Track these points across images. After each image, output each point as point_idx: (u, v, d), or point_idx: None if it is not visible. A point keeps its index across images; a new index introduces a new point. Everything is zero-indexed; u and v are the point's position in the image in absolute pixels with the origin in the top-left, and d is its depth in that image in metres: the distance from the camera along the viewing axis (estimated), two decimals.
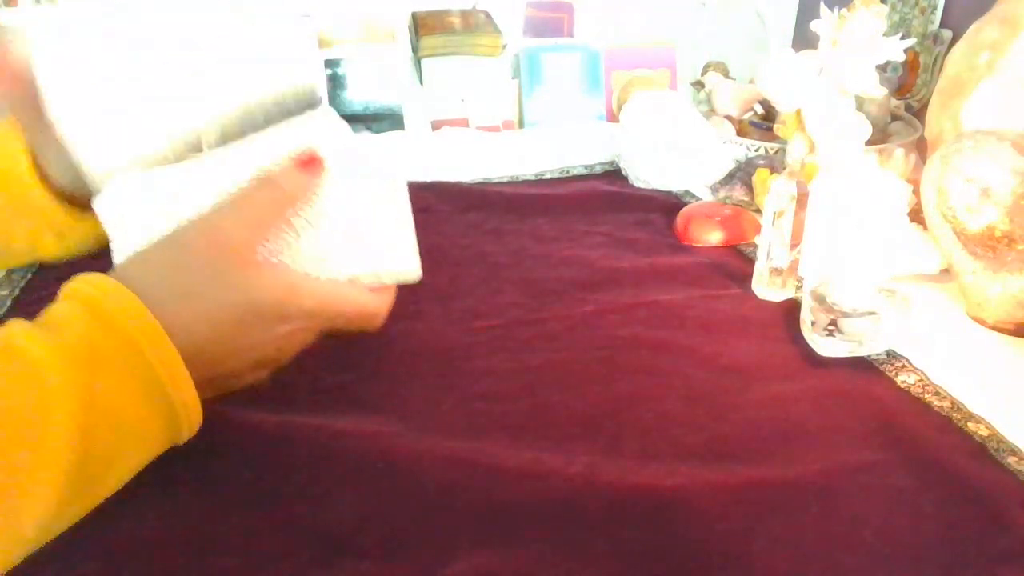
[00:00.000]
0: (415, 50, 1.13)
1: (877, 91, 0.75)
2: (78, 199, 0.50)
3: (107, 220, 0.43)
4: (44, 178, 0.52)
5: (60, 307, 0.37)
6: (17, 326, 0.35)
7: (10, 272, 0.67)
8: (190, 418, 0.39)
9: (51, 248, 0.58)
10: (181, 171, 0.43)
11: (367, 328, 0.48)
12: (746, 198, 0.82)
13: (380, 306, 0.47)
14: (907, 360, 0.55)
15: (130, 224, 0.43)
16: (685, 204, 0.82)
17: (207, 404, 0.41)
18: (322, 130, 0.45)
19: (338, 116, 0.47)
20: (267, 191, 0.42)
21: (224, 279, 0.40)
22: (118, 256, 0.43)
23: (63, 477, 0.33)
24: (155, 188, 0.43)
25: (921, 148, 0.80)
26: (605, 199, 0.85)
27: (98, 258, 0.45)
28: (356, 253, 0.45)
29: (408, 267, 0.48)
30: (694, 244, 0.74)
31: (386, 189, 0.47)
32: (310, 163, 0.43)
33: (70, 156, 0.44)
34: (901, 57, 0.72)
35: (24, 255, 0.60)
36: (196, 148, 0.45)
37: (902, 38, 0.71)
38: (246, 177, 0.43)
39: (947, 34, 0.96)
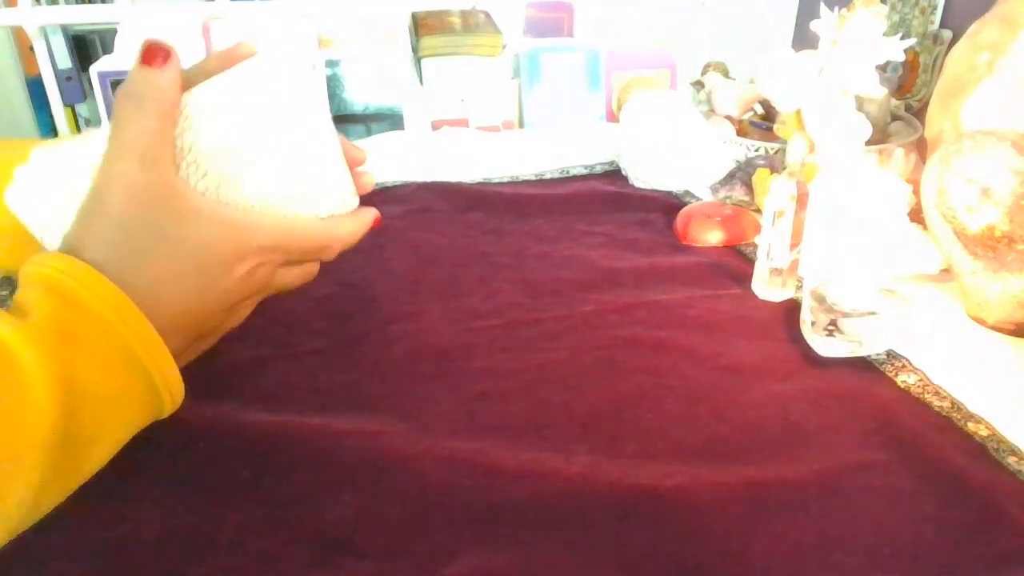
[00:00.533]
0: (415, 50, 1.13)
1: (877, 91, 0.75)
2: None
3: (25, 214, 0.42)
4: None
5: (25, 293, 0.37)
6: None
7: (10, 272, 0.67)
8: (170, 388, 0.39)
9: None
10: (83, 145, 0.43)
11: (323, 258, 0.48)
12: (746, 198, 0.82)
13: (332, 236, 0.47)
14: (907, 360, 0.55)
15: (48, 209, 0.42)
16: (685, 204, 0.82)
17: (203, 400, 0.41)
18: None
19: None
20: (130, 106, 0.39)
21: (171, 234, 0.39)
22: (46, 234, 0.42)
23: (44, 455, 0.33)
24: (65, 169, 0.42)
25: (921, 148, 0.80)
26: (605, 199, 0.85)
27: None
28: (289, 190, 0.45)
29: (342, 199, 0.48)
30: (694, 244, 0.74)
31: (311, 121, 0.46)
32: (153, 54, 0.40)
33: None
34: (901, 57, 0.72)
35: (6, 266, 0.61)
36: None
37: (902, 38, 0.71)
38: None
39: (947, 34, 0.96)
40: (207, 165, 0.43)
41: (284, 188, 0.45)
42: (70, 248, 0.39)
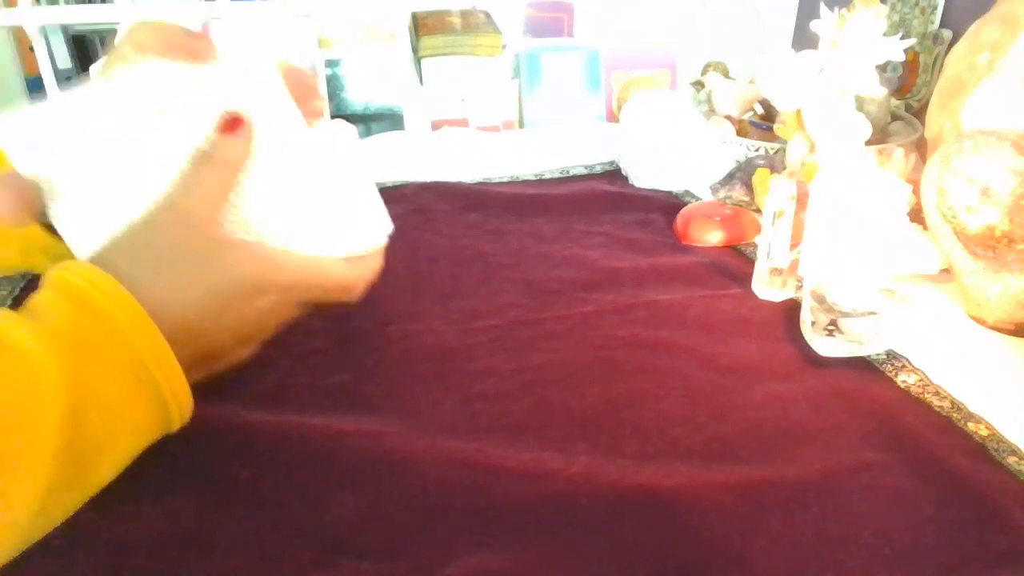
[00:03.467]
0: (415, 50, 1.13)
1: (877, 91, 0.75)
2: None
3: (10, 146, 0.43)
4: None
5: (42, 295, 0.37)
6: (1, 315, 0.36)
7: (14, 271, 0.67)
8: (179, 403, 0.39)
9: (43, 265, 0.58)
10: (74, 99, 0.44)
11: (345, 300, 0.48)
12: (746, 198, 0.82)
13: (357, 278, 0.48)
14: (907, 360, 0.55)
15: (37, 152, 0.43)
16: (685, 204, 0.82)
17: (203, 400, 0.41)
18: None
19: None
20: (206, 165, 0.43)
21: (200, 257, 0.41)
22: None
23: (51, 461, 0.33)
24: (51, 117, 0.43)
25: (921, 148, 0.80)
26: (605, 199, 0.85)
27: None
28: (323, 229, 0.46)
29: (379, 234, 0.48)
30: (694, 244, 0.74)
31: (346, 162, 0.47)
32: (233, 125, 0.43)
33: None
34: (901, 57, 0.72)
35: (19, 267, 0.61)
36: None
37: (902, 38, 0.71)
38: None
39: (947, 34, 0.96)
40: (246, 213, 0.44)
41: (319, 234, 0.46)
42: (101, 258, 0.40)
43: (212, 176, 0.43)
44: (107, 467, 0.38)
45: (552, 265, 0.69)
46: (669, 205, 0.82)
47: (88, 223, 0.43)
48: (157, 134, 0.44)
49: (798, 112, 0.75)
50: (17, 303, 0.63)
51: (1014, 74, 0.61)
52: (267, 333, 0.46)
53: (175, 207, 0.42)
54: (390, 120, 1.11)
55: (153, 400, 0.38)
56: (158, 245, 0.41)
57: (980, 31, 0.66)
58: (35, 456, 0.33)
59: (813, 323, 0.56)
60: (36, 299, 0.37)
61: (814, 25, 0.73)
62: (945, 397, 0.51)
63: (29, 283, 0.66)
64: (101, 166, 0.44)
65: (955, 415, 0.49)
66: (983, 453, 0.46)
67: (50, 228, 0.50)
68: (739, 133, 0.94)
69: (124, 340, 0.36)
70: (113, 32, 1.13)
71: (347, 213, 0.47)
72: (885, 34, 0.71)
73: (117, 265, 0.39)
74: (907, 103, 0.99)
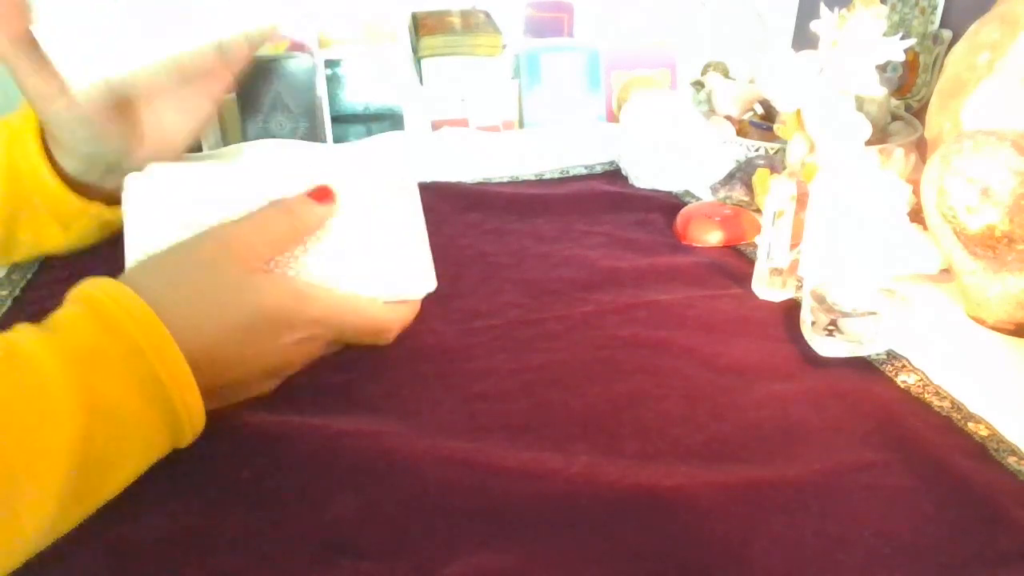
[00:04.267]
0: (415, 50, 1.13)
1: (877, 91, 0.74)
2: (85, 187, 0.50)
3: (129, 204, 0.44)
4: (53, 164, 0.52)
5: (65, 310, 0.37)
6: (22, 329, 0.36)
7: (10, 272, 0.67)
8: (192, 421, 0.39)
9: (56, 238, 0.58)
10: (211, 168, 0.45)
11: (376, 342, 0.48)
12: (746, 198, 0.82)
13: (391, 320, 0.48)
14: (907, 360, 0.55)
15: (150, 213, 0.43)
16: (685, 204, 0.82)
17: (211, 413, 0.41)
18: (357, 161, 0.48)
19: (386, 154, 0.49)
20: (282, 215, 0.44)
21: (232, 284, 0.41)
22: (130, 243, 0.43)
23: (64, 479, 0.33)
24: (183, 182, 0.44)
25: (921, 148, 0.80)
26: (605, 199, 0.85)
27: (98, 257, 0.45)
28: (369, 272, 0.46)
29: (421, 285, 0.50)
30: (694, 244, 0.74)
31: (402, 206, 0.48)
32: (323, 195, 0.45)
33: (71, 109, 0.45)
34: (901, 57, 0.72)
35: (29, 247, 0.60)
36: (176, 73, 0.46)
37: (902, 38, 0.71)
38: (272, 187, 0.44)
39: (947, 34, 0.96)
40: (303, 259, 0.45)
41: (360, 276, 0.46)
42: (131, 277, 0.40)
43: (281, 225, 0.44)
44: (116, 483, 0.38)
45: (552, 265, 0.69)
46: (669, 205, 0.82)
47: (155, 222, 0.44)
48: None
49: (798, 112, 0.75)
50: (17, 303, 0.63)
51: (1014, 74, 0.61)
52: (294, 368, 0.46)
53: (225, 238, 0.42)
54: (390, 120, 1.10)
55: (167, 418, 0.38)
56: (196, 272, 0.41)
57: (980, 31, 0.66)
58: (49, 476, 0.33)
59: (813, 323, 0.56)
60: (59, 314, 0.37)
61: (814, 25, 0.73)
62: (945, 397, 0.51)
63: (29, 283, 0.66)
64: None
65: (955, 415, 0.49)
66: (983, 453, 0.46)
67: (79, 195, 0.50)
68: (739, 133, 0.94)
69: (142, 359, 0.36)
70: None
71: (393, 260, 0.47)
72: (885, 34, 0.71)
73: (150, 285, 0.39)
74: (907, 103, 0.99)
